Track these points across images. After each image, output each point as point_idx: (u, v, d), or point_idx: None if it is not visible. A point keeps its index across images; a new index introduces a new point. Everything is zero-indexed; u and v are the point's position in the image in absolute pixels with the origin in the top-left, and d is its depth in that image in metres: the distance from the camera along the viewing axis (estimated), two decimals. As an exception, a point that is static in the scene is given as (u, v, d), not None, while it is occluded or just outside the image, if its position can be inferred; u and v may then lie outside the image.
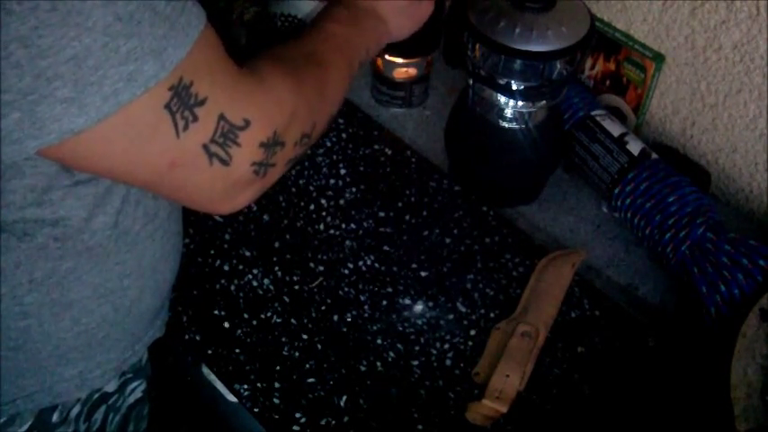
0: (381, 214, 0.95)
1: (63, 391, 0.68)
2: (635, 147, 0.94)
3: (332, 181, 0.99)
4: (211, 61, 0.53)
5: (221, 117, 0.54)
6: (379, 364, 0.81)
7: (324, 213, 0.95)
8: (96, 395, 0.73)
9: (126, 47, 0.46)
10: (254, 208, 0.95)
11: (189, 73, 0.51)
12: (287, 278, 0.88)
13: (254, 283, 0.87)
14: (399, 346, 0.83)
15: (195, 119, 0.52)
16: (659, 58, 1.00)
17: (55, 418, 0.70)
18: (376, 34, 0.77)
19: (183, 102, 0.51)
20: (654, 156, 0.93)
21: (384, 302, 0.86)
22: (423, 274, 0.89)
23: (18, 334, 0.62)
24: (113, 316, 0.67)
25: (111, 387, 0.74)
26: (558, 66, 0.88)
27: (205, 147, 0.54)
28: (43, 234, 0.58)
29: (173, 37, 0.49)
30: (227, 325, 0.84)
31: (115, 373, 0.72)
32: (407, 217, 0.95)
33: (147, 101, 0.49)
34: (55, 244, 0.59)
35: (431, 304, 0.86)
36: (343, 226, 0.94)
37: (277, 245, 0.91)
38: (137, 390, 0.79)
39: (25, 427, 0.68)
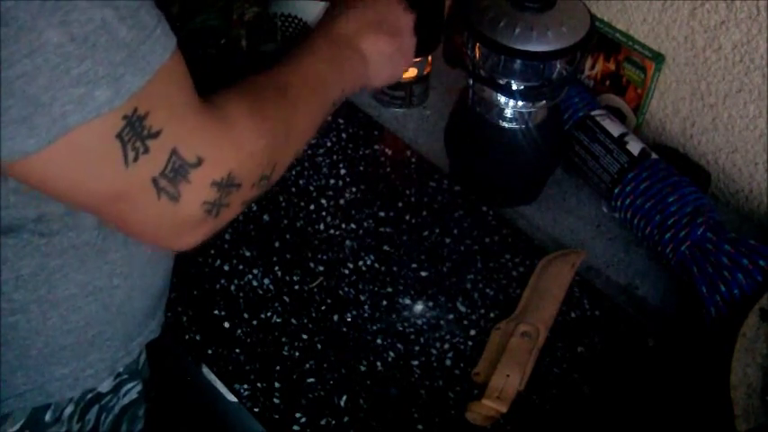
0: (381, 214, 0.95)
1: (55, 390, 0.68)
2: (635, 147, 0.94)
3: (332, 181, 0.99)
4: (172, 93, 0.52)
5: (174, 152, 0.52)
6: (379, 363, 0.81)
7: (324, 213, 0.95)
8: (90, 395, 0.73)
9: (78, 69, 0.45)
10: (254, 208, 0.95)
11: (145, 103, 0.49)
12: (287, 278, 0.88)
13: (254, 283, 0.87)
14: (399, 345, 0.83)
15: (146, 151, 0.50)
16: (659, 58, 1.00)
17: (47, 417, 0.70)
18: (354, 75, 0.73)
19: (135, 132, 0.49)
20: (654, 156, 0.93)
21: (384, 302, 0.86)
22: (423, 273, 0.89)
23: (7, 330, 0.63)
24: (103, 315, 0.67)
25: (105, 387, 0.74)
26: (558, 66, 0.88)
27: (154, 180, 0.52)
28: (28, 231, 0.58)
29: (131, 64, 0.48)
30: (227, 325, 0.84)
31: (108, 373, 0.72)
32: (407, 217, 0.95)
33: (97, 127, 0.48)
34: (40, 240, 0.59)
35: (431, 304, 0.86)
36: (344, 226, 0.94)
37: (277, 245, 0.91)
38: (132, 391, 0.78)
39: (17, 426, 0.68)
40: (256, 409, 0.77)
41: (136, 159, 0.50)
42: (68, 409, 0.71)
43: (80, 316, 0.66)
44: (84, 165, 0.50)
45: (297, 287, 0.87)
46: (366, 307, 0.86)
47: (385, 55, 0.76)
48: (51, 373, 0.67)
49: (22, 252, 0.59)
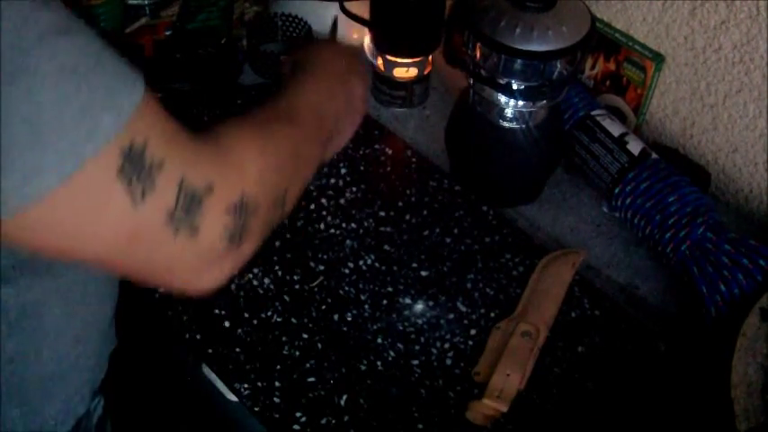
0: (382, 214, 0.95)
1: (51, 429, 0.68)
2: (635, 146, 0.94)
3: (332, 180, 0.99)
4: (163, 122, 0.49)
5: (182, 182, 0.49)
6: (379, 363, 0.81)
7: (324, 213, 0.95)
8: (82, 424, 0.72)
9: (79, 100, 0.43)
10: (255, 207, 0.95)
11: (141, 134, 0.46)
12: (287, 277, 0.88)
13: (255, 283, 0.87)
14: (399, 345, 0.83)
15: (153, 185, 0.47)
16: (659, 58, 1.00)
17: None
18: (340, 104, 0.73)
19: (137, 167, 0.46)
20: (654, 156, 0.93)
21: (384, 302, 0.86)
22: (423, 273, 0.89)
23: (6, 379, 0.62)
24: (82, 333, 0.67)
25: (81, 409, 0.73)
26: (559, 65, 0.88)
27: (168, 216, 0.48)
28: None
29: (125, 94, 0.46)
30: (227, 324, 0.84)
31: (90, 391, 0.72)
32: (408, 216, 0.95)
33: (97, 165, 0.45)
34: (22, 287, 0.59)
35: (431, 304, 0.86)
36: (344, 225, 0.94)
37: (277, 244, 0.91)
38: (98, 407, 0.77)
39: None
40: (257, 409, 0.77)
41: (143, 197, 0.47)
42: None
43: (65, 340, 0.65)
44: (87, 209, 0.46)
45: (297, 286, 0.87)
46: (366, 306, 0.86)
47: (359, 100, 0.78)
48: (46, 412, 0.66)
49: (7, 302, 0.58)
